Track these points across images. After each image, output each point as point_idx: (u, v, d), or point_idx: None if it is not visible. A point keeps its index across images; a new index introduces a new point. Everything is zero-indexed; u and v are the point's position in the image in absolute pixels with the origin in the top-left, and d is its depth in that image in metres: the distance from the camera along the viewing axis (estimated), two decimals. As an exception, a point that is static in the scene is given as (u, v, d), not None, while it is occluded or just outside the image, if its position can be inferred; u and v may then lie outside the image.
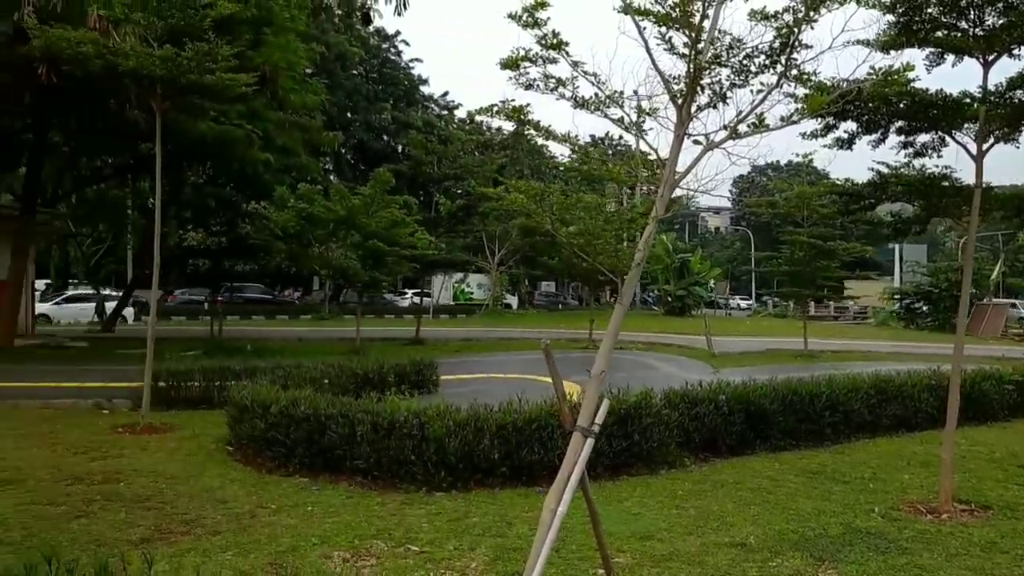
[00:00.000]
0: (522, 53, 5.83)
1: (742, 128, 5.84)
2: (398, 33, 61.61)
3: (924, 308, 39.96)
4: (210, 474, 7.48)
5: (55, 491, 6.63)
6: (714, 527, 6.03)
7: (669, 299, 47.63)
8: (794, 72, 5.70)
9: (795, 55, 5.70)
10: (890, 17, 7.18)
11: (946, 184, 8.19)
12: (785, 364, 18.24)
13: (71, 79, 16.17)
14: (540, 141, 60.72)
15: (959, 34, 7.04)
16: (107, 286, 37.41)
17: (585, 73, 5.74)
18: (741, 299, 68.59)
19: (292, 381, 10.06)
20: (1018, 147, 8.13)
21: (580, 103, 5.86)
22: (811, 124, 8.14)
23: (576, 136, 5.80)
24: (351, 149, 59.94)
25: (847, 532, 5.88)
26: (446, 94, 64.60)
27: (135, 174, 27.17)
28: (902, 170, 8.24)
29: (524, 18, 5.61)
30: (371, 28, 58.29)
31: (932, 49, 7.39)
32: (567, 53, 5.68)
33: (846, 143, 8.26)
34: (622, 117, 5.78)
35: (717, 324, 33.17)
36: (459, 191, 38.36)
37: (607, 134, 72.22)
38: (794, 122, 5.80)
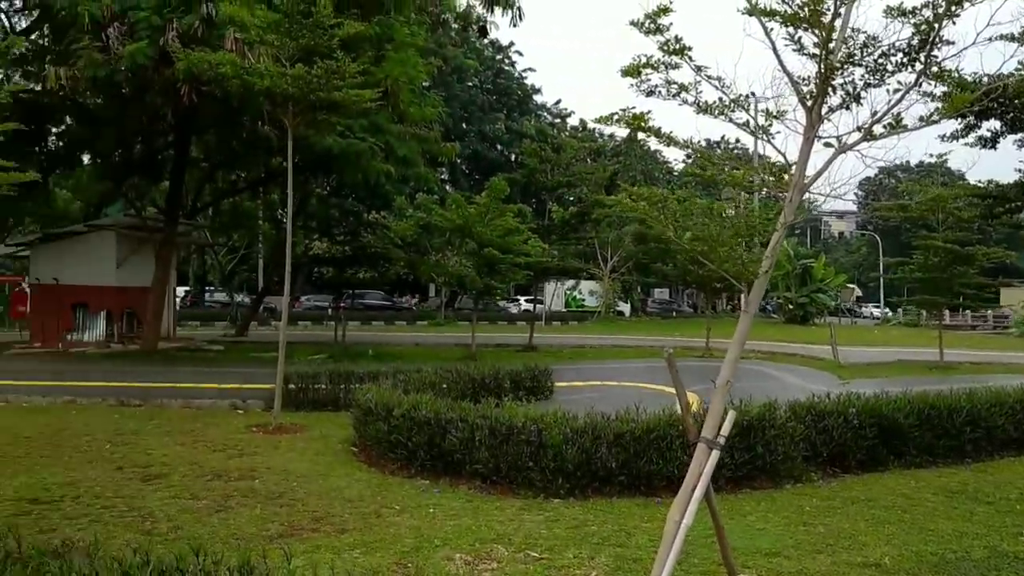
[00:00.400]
0: (643, 60, 5.79)
1: (877, 129, 5.58)
2: (512, 44, 62.47)
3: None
4: (337, 474, 7.78)
5: (197, 486, 7.07)
6: (845, 546, 5.76)
7: (790, 307, 45.93)
8: (934, 70, 5.41)
9: (935, 52, 5.41)
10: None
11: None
12: (919, 376, 17.21)
13: (210, 99, 17.31)
14: (652, 146, 60.10)
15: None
16: (240, 293, 39.60)
17: (709, 77, 5.64)
18: (874, 307, 65.07)
19: (412, 385, 10.34)
20: None
21: (703, 108, 5.75)
22: (951, 124, 7.72)
23: (697, 142, 5.70)
24: (466, 159, 61.17)
25: (992, 556, 5.49)
26: (558, 102, 64.94)
27: (266, 187, 28.72)
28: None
29: (646, 24, 5.58)
30: (486, 40, 59.45)
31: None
32: (690, 58, 5.60)
33: (989, 142, 7.80)
34: (748, 121, 5.65)
35: (843, 333, 31.67)
36: (571, 198, 38.44)
37: (723, 138, 70.58)
38: (934, 122, 5.48)
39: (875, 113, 5.60)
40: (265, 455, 8.54)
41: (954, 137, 7.64)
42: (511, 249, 22.07)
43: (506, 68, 63.67)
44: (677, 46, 5.58)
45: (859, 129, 5.75)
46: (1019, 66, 5.90)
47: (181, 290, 46.36)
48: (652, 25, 5.56)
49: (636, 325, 44.35)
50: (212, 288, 48.70)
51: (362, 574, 4.84)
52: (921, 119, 5.52)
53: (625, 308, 55.72)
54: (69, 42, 17.10)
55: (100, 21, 15.92)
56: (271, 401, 10.85)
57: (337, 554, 5.30)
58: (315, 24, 11.20)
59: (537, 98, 65.39)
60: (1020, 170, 7.98)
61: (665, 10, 5.55)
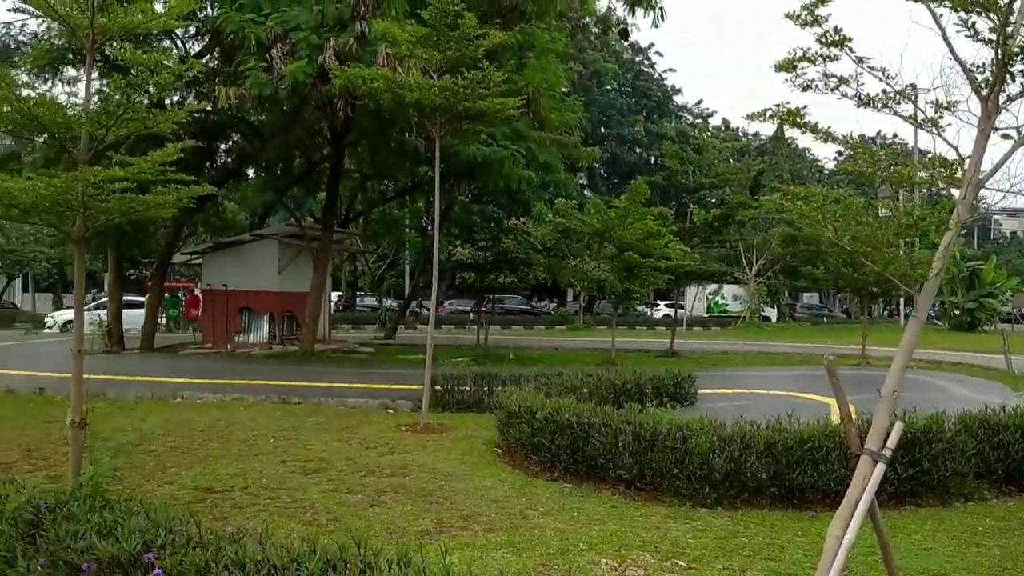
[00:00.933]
0: (799, 53, 5.58)
1: (1066, 117, 5.12)
2: (652, 45, 61.76)
3: None
4: (482, 474, 7.95)
5: (352, 481, 7.43)
6: (1025, 571, 5.30)
7: (956, 312, 42.61)
8: None
9: None
10: None
11: None
12: (1112, 389, 15.49)
13: (363, 113, 18.19)
14: (802, 144, 57.56)
15: None
16: (388, 297, 41.32)
17: (872, 69, 5.36)
18: None
19: (554, 389, 10.42)
20: None
21: (865, 101, 5.48)
22: None
23: (856, 136, 5.41)
24: (604, 163, 60.96)
25: None
26: (700, 102, 63.52)
27: (412, 195, 29.83)
28: None
29: (803, 16, 5.38)
30: (626, 43, 59.15)
31: None
32: (850, 49, 5.35)
33: None
34: (915, 113, 5.33)
35: (1018, 341, 29.05)
36: (714, 200, 37.47)
37: (879, 133, 66.57)
38: None
39: (1062, 99, 5.14)
40: (414, 453, 8.85)
41: None
42: (651, 253, 21.74)
43: (646, 70, 62.95)
44: (836, 37, 5.35)
45: (1041, 119, 5.28)
46: None
47: (335, 295, 49.02)
48: (809, 17, 5.35)
49: (783, 331, 42.61)
50: (363, 293, 51.07)
51: (514, 574, 4.92)
52: (1116, 103, 5.01)
53: (772, 313, 53.63)
54: (237, 63, 18.43)
55: (264, 43, 17.06)
56: (419, 401, 11.25)
57: (486, 552, 5.42)
58: (461, 36, 11.51)
59: (678, 99, 64.25)
60: None
61: (823, 1, 5.34)
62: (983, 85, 5.07)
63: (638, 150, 60.08)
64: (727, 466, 7.04)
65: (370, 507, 6.59)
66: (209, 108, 20.14)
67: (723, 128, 50.86)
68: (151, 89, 7.15)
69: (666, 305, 44.62)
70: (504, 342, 28.03)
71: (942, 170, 5.34)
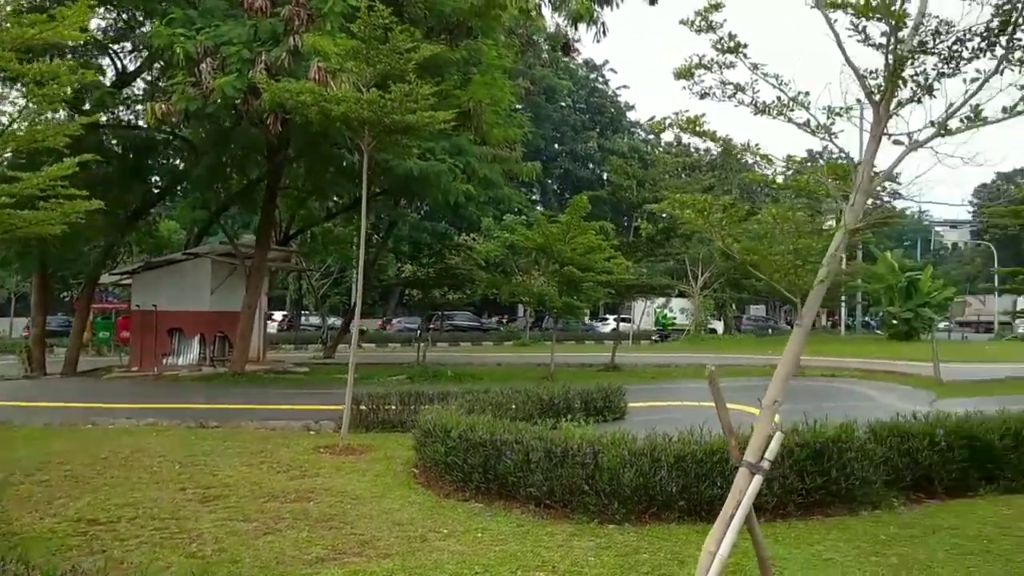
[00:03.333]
0: (696, 60, 5.55)
1: (953, 124, 5.13)
2: (606, 63, 62.63)
3: None
4: (392, 496, 7.72)
5: (251, 508, 7.14)
6: (920, 580, 5.27)
7: (894, 322, 43.59)
8: (1017, 55, 4.93)
9: (1019, 34, 4.93)
10: None
11: None
12: (1031, 395, 15.89)
13: (296, 128, 17.92)
14: (750, 159, 58.58)
15: None
16: (332, 316, 40.75)
17: (765, 75, 5.34)
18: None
19: (479, 406, 10.24)
20: None
21: (761, 108, 5.46)
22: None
23: (805, 152, 5.37)
24: (557, 179, 61.38)
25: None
26: (652, 118, 64.18)
27: (357, 212, 29.42)
28: None
29: (697, 22, 5.34)
30: (580, 59, 59.81)
31: None
32: (745, 55, 5.32)
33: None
34: (808, 120, 5.31)
35: (952, 349, 29.82)
36: (665, 214, 37.85)
37: (825, 148, 68.12)
38: (1019, 113, 5.01)
39: (951, 106, 5.15)
40: (326, 476, 8.57)
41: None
42: (592, 267, 21.78)
43: (600, 86, 63.71)
44: (731, 44, 5.32)
45: (932, 124, 5.30)
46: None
47: (278, 314, 48.15)
48: (704, 23, 5.32)
49: (728, 343, 43.09)
50: (308, 312, 50.30)
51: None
52: (1004, 110, 5.04)
53: (718, 326, 54.26)
54: (169, 78, 18.03)
55: (194, 57, 16.69)
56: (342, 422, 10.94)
57: (371, 579, 5.20)
58: (392, 49, 11.38)
59: (631, 115, 65.06)
60: None
61: (717, 6, 5.30)
62: (875, 91, 5.08)
63: (591, 166, 60.66)
64: (637, 480, 6.92)
65: (263, 535, 6.31)
66: (144, 124, 19.69)
67: (675, 143, 51.54)
68: (31, 104, 6.85)
69: (615, 319, 44.75)
70: (448, 359, 27.78)
71: (834, 179, 5.34)
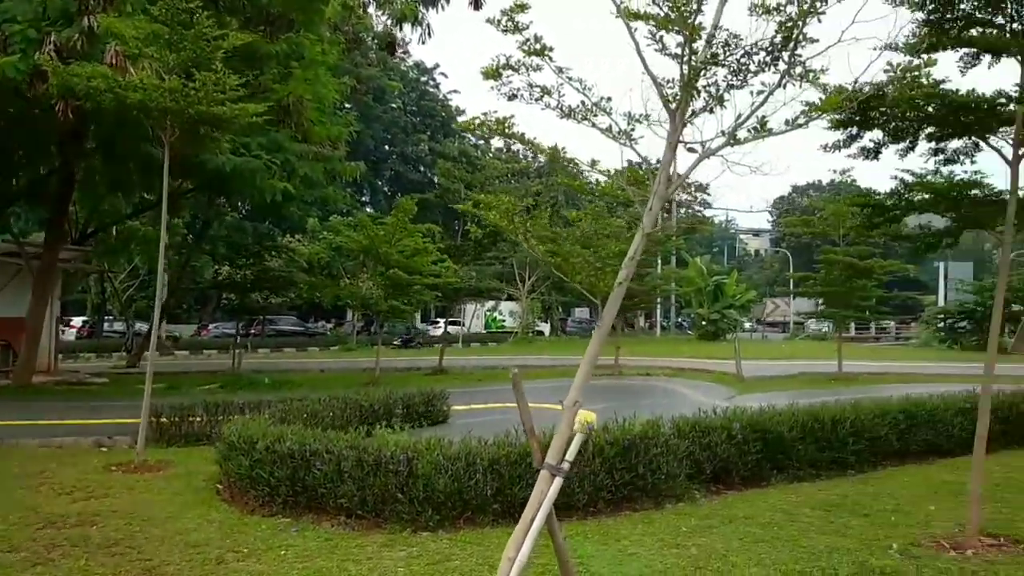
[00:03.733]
0: (503, 61, 5.49)
1: (742, 134, 5.39)
2: (437, 66, 62.68)
3: (967, 327, 38.55)
4: (190, 515, 7.13)
5: (21, 536, 6.33)
6: (715, 568, 5.50)
7: (703, 323, 46.69)
8: (799, 70, 5.26)
9: (799, 51, 5.25)
10: (919, 15, 6.67)
11: (976, 192, 7.60)
12: (818, 388, 17.47)
13: (92, 117, 16.39)
14: (580, 167, 60.60)
15: (995, 31, 6.50)
16: (140, 321, 37.83)
17: (570, 79, 5.37)
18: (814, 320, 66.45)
19: (293, 415, 9.77)
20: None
21: (567, 112, 5.48)
22: (830, 133, 7.63)
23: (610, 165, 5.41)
24: (388, 181, 60.61)
25: (859, 572, 5.30)
26: (474, 119, 64.89)
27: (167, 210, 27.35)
28: (928, 178, 7.68)
29: (504, 22, 5.28)
30: (410, 61, 59.35)
31: (966, 50, 6.85)
32: (551, 58, 5.32)
33: (871, 153, 7.72)
34: (610, 126, 5.40)
35: (752, 348, 32.31)
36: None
37: (645, 157, 71.70)
38: (799, 125, 5.33)
39: (739, 116, 5.41)
40: (116, 497, 7.81)
41: (836, 147, 7.52)
42: (419, 270, 21.60)
43: (431, 90, 63.58)
44: (537, 46, 5.30)
45: (723, 133, 5.54)
46: (887, 67, 5.76)
47: (78, 320, 44.10)
48: (510, 23, 5.26)
49: (554, 345, 44.31)
50: (112, 317, 46.45)
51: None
52: (787, 122, 5.36)
53: (545, 328, 55.76)
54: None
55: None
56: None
57: (152, 610, 4.72)
58: (196, 35, 10.58)
59: (462, 119, 65.31)
60: (896, 178, 7.93)
61: (523, 6, 5.25)
62: (671, 99, 5.24)
63: (422, 169, 60.39)
64: (451, 486, 6.81)
65: (32, 567, 5.60)
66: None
67: (505, 149, 52.31)
68: None
69: (447, 322, 44.82)
70: (269, 366, 26.57)
71: (631, 185, 5.47)
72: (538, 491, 4.09)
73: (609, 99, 5.43)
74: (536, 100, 5.50)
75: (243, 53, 16.47)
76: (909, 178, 7.71)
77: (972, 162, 7.65)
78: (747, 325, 56.95)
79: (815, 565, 5.47)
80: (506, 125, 6.14)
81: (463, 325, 49.38)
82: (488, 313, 55.50)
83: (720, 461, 7.99)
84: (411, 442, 7.23)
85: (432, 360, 26.32)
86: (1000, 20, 6.28)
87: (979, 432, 6.14)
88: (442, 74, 63.23)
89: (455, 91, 69.16)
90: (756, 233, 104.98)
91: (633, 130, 5.41)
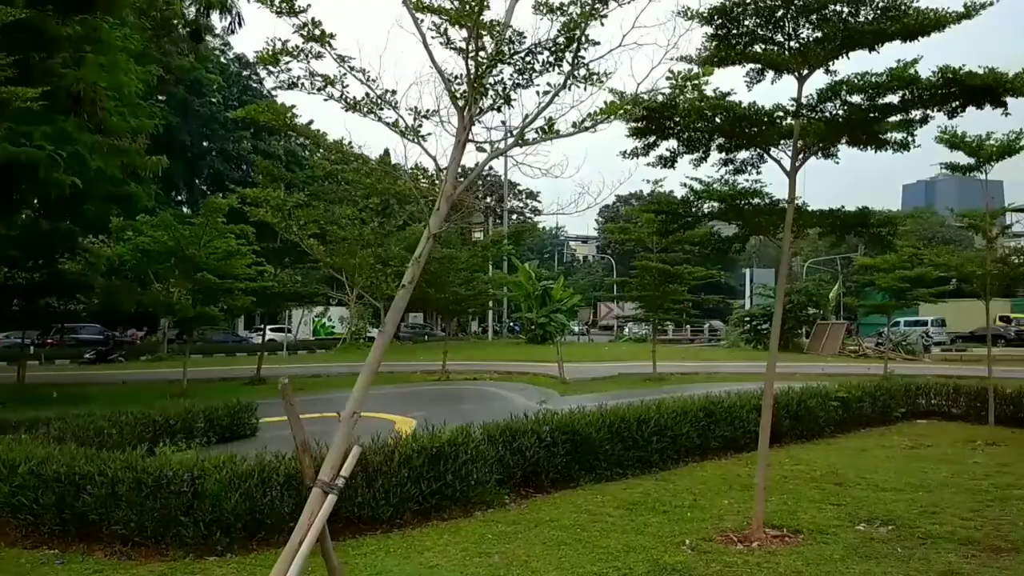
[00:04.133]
0: (279, 45, 5.12)
1: (531, 135, 5.33)
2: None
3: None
4: (-69, 554, 6.16)
5: None
6: (516, 575, 5.39)
7: (532, 327, 47.62)
8: (583, 72, 5.26)
9: (582, 53, 5.26)
10: (708, 29, 6.93)
11: (758, 201, 8.04)
12: (633, 388, 18.17)
13: None
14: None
15: (776, 48, 6.87)
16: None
17: (352, 69, 5.08)
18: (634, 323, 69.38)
19: (72, 434, 8.82)
20: (837, 162, 8.08)
21: (351, 104, 5.19)
22: (627, 141, 7.80)
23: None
24: (207, 179, 57.20)
25: (653, 570, 5.39)
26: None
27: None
28: (715, 186, 8.03)
29: (278, 4, 4.91)
30: (231, 55, 56.37)
31: (752, 65, 7.20)
32: (331, 46, 5.01)
33: (668, 162, 7.97)
34: (397, 120, 5.16)
35: (576, 351, 33.28)
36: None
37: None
38: (586, 128, 5.33)
39: (527, 116, 5.35)
40: None
41: (634, 154, 7.73)
42: (232, 274, 20.37)
43: (254, 85, 60.56)
44: (317, 32, 4.97)
45: (511, 133, 5.46)
46: (669, 74, 5.91)
47: None
48: (285, 5, 4.90)
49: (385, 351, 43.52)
50: None
51: None
52: (574, 125, 5.35)
53: (376, 334, 54.79)
54: None
55: None
56: None
57: None
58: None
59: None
60: (685, 185, 8.27)
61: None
62: (460, 96, 5.08)
63: (244, 167, 57.37)
64: (243, 505, 6.31)
65: None
66: None
67: (335, 151, 50.66)
68: None
69: (271, 329, 42.83)
70: (64, 378, 24.19)
71: (423, 183, 5.27)
72: (309, 510, 3.77)
73: (393, 92, 5.19)
74: (318, 90, 5.19)
75: (29, 32, 14.85)
76: (698, 185, 8.04)
77: (758, 172, 8.11)
78: (575, 328, 58.83)
79: (612, 566, 5.50)
80: (288, 114, 5.79)
81: (288, 332, 47.54)
82: (317, 319, 53.77)
83: (530, 464, 7.97)
84: (198, 459, 6.65)
85: (251, 370, 24.98)
86: (780, 38, 6.64)
87: (763, 427, 6.46)
88: (267, 69, 60.53)
89: (280, 86, 66.32)
90: (584, 240, 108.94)
91: (420, 126, 5.21)
